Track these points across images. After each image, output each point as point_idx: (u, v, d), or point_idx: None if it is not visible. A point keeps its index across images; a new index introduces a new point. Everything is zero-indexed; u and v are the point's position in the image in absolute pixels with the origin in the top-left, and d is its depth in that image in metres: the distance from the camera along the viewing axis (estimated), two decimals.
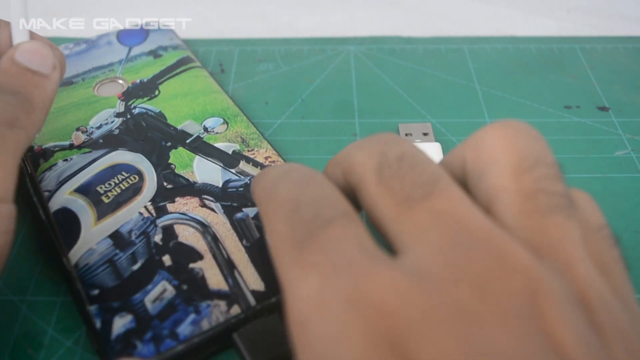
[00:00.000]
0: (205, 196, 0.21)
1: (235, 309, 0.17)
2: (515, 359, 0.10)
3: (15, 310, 0.19)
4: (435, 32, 0.34)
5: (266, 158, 0.23)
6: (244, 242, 0.19)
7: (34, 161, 0.22)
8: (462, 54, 0.32)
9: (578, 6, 0.37)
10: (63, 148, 0.23)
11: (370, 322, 0.10)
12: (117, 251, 0.19)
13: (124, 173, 0.22)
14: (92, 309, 0.17)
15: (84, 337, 0.19)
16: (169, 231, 0.20)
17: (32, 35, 0.20)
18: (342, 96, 0.29)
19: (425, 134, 0.26)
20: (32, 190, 0.21)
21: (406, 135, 0.26)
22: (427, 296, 0.10)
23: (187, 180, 0.22)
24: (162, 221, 0.20)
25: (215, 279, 0.18)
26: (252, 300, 0.18)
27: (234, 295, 0.18)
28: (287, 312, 0.12)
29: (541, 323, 0.10)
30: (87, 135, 0.23)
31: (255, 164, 0.23)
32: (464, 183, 0.14)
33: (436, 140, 0.26)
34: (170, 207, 0.21)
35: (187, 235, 0.20)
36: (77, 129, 0.24)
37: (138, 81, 0.27)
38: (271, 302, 0.18)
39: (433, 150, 0.25)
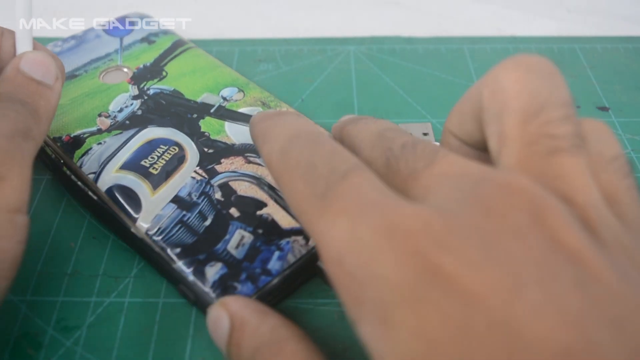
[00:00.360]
0: (248, 154, 0.22)
1: (313, 241, 0.18)
2: (529, 261, 0.11)
3: (15, 310, 0.19)
4: (435, 32, 0.34)
5: None
6: None
7: (66, 150, 0.23)
8: (462, 54, 0.32)
9: (578, 6, 0.37)
10: (92, 133, 0.23)
11: (399, 243, 0.11)
12: (184, 212, 0.20)
13: (162, 146, 0.23)
14: (179, 265, 0.19)
15: (84, 337, 0.19)
16: (226, 188, 0.21)
17: (35, 45, 0.20)
18: (342, 96, 0.29)
19: (425, 134, 0.26)
20: (73, 176, 0.22)
21: None
22: (445, 220, 0.11)
23: (225, 143, 0.23)
24: (216, 181, 0.21)
25: (285, 220, 0.20)
26: None
27: None
28: (322, 260, 0.13)
29: (547, 231, 0.11)
30: (112, 119, 0.24)
31: None
32: (481, 118, 0.15)
33: (436, 140, 0.26)
34: (218, 168, 0.22)
35: (245, 188, 0.21)
36: (100, 115, 0.24)
37: (142, 66, 0.27)
38: None
39: None
